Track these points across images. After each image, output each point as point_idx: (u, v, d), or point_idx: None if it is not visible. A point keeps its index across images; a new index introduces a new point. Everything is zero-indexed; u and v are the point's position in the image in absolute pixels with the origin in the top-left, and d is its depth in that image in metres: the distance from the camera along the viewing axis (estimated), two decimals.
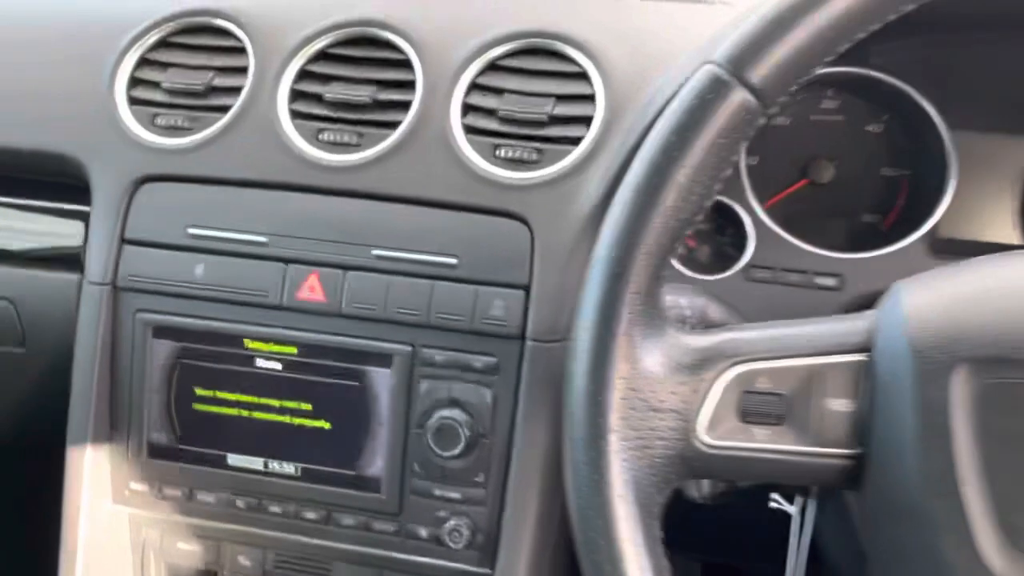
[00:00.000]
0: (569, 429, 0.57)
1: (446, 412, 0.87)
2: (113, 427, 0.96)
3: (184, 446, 0.95)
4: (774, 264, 0.86)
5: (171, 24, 1.00)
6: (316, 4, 0.99)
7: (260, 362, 0.92)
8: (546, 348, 0.86)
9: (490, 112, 0.91)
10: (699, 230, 0.92)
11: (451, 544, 0.88)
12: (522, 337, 0.87)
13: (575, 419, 0.56)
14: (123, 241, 0.95)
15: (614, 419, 0.54)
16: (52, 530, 0.99)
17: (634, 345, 0.55)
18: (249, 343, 0.92)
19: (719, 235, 0.93)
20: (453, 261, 0.88)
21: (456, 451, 0.87)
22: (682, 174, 0.54)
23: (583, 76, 0.91)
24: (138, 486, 0.96)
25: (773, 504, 0.85)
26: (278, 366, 0.92)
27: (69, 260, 1.01)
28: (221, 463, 0.95)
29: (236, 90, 0.96)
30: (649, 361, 0.56)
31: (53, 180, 1.02)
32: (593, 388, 0.55)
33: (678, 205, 0.55)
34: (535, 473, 0.87)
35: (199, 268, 0.93)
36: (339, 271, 0.90)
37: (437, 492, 0.90)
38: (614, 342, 0.55)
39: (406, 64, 0.94)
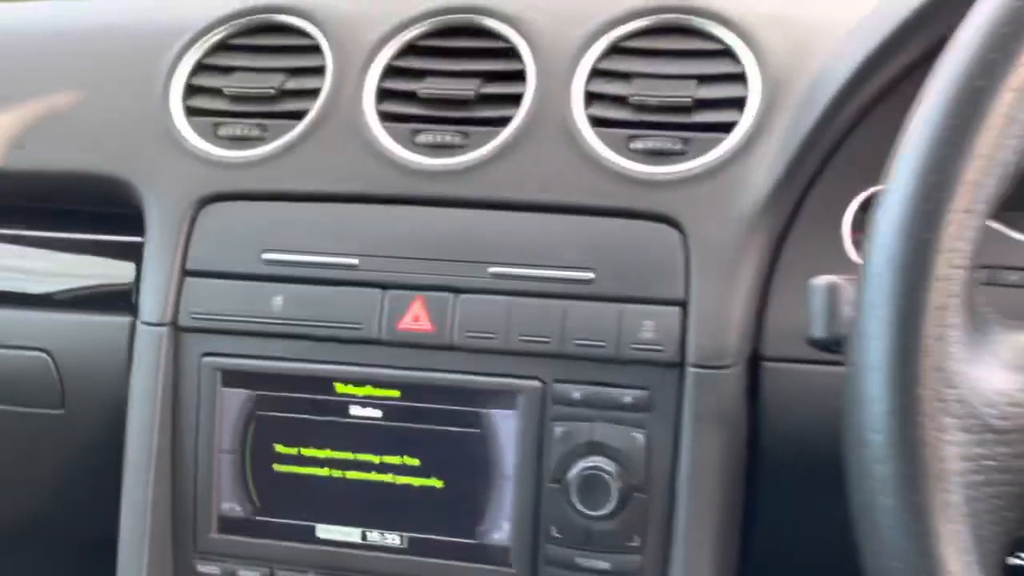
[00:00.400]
0: (866, 464, 0.41)
1: (590, 460, 0.71)
2: (175, 498, 0.80)
3: (263, 517, 0.79)
4: (989, 261, 0.70)
5: (231, 24, 0.87)
6: None
7: (355, 410, 0.77)
8: (713, 375, 0.70)
9: (619, 100, 0.77)
10: None
11: None
12: (681, 364, 0.71)
13: (877, 449, 0.40)
14: (184, 272, 0.80)
15: (939, 446, 0.38)
16: None
17: (955, 342, 0.39)
18: (341, 387, 0.77)
19: None
20: (589, 276, 0.73)
21: (607, 508, 0.71)
22: (1007, 99, 0.40)
23: (724, 54, 0.78)
24: (207, 568, 0.80)
25: (1014, 561, 0.67)
26: (377, 413, 0.76)
27: (117, 301, 0.86)
28: (309, 536, 0.78)
29: (312, 92, 0.82)
30: (979, 366, 0.40)
31: (95, 210, 0.87)
32: (903, 404, 0.39)
33: (1003, 143, 0.40)
34: (707, 533, 0.70)
35: (278, 300, 0.77)
36: (448, 295, 0.75)
37: (581, 561, 0.73)
38: (928, 339, 0.39)
39: (511, 53, 0.81)
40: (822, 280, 0.54)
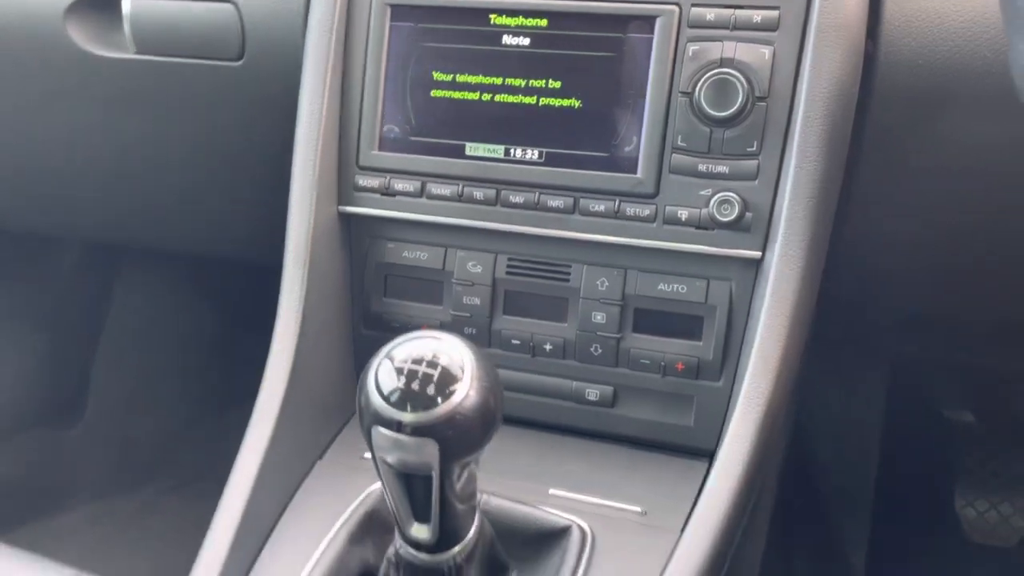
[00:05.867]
0: None
1: (721, 70, 0.80)
2: (343, 122, 0.91)
3: (419, 137, 0.90)
4: None
5: None
6: None
7: (506, 39, 0.86)
8: None
9: None
10: None
11: (720, 217, 0.80)
12: None
13: None
14: None
15: None
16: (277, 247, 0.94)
17: None
18: (495, 18, 0.86)
19: None
20: None
21: (733, 109, 0.79)
22: None
23: None
24: (367, 182, 0.91)
25: None
26: (525, 41, 0.86)
27: None
28: (458, 153, 0.89)
29: None
30: None
31: None
32: None
33: None
34: (820, 138, 0.78)
35: None
36: None
37: (701, 167, 0.82)
38: None
39: None
40: None
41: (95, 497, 1.30)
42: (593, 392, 0.89)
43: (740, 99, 0.79)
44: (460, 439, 0.56)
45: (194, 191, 1.15)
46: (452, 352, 0.57)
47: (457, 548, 0.63)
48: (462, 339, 0.58)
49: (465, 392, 0.55)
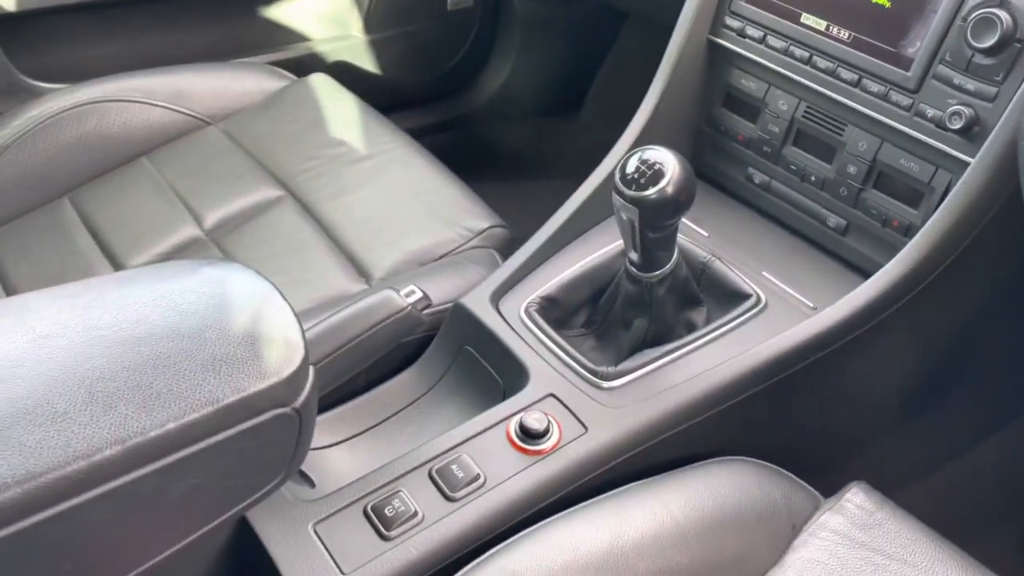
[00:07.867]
0: None
1: (991, 9, 0.99)
2: None
3: None
4: None
5: None
6: None
7: None
8: None
9: None
10: None
11: (949, 124, 1.03)
12: None
13: None
14: None
15: None
16: None
17: None
18: None
19: None
20: None
21: (988, 43, 0.99)
22: None
23: None
24: (731, 23, 1.25)
25: None
26: None
27: None
28: (795, 18, 1.18)
29: None
30: None
31: None
32: None
33: None
34: None
35: None
36: None
37: (956, 80, 1.03)
38: None
39: None
40: None
41: (567, 175, 1.82)
42: (833, 219, 1.21)
43: (997, 38, 0.98)
44: (652, 213, 0.98)
45: None
46: (667, 162, 0.97)
47: (654, 273, 1.07)
48: (678, 156, 0.98)
49: (663, 187, 0.96)
